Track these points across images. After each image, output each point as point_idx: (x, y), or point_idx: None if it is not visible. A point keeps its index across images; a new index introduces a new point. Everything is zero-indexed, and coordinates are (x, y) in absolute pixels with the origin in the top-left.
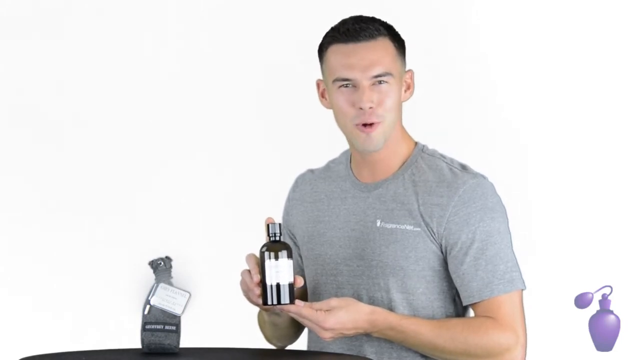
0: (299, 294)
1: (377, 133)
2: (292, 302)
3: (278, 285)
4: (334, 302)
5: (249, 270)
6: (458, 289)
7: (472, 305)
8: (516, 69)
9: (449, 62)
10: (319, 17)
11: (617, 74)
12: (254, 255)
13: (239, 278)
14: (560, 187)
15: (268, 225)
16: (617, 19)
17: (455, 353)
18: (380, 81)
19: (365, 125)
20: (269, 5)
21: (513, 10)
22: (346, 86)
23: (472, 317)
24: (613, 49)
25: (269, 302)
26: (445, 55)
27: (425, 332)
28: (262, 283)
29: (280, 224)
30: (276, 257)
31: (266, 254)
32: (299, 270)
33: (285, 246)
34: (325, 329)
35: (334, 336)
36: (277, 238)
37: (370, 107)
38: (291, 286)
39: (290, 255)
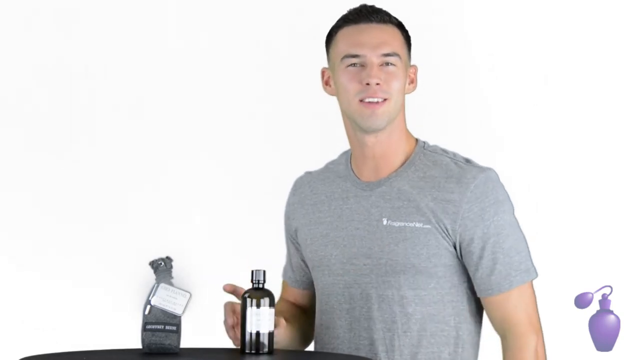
0: (309, 297)
1: (382, 110)
2: (270, 352)
3: (258, 334)
4: None
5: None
6: (474, 282)
7: (487, 297)
8: (516, 69)
9: (449, 62)
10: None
11: (618, 74)
12: (231, 303)
13: (239, 278)
14: (561, 187)
15: (252, 271)
16: (619, 19)
17: None
18: (388, 63)
19: (371, 102)
20: (269, 7)
21: (513, 11)
22: (354, 65)
23: None
24: (614, 48)
25: (247, 350)
26: (445, 55)
27: None
28: (242, 329)
29: (264, 271)
30: (258, 305)
31: (248, 300)
32: (303, 274)
33: (268, 294)
34: None
35: None
36: (261, 285)
37: (378, 84)
38: (271, 335)
39: (272, 304)
